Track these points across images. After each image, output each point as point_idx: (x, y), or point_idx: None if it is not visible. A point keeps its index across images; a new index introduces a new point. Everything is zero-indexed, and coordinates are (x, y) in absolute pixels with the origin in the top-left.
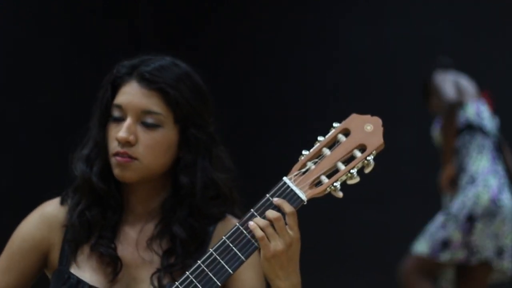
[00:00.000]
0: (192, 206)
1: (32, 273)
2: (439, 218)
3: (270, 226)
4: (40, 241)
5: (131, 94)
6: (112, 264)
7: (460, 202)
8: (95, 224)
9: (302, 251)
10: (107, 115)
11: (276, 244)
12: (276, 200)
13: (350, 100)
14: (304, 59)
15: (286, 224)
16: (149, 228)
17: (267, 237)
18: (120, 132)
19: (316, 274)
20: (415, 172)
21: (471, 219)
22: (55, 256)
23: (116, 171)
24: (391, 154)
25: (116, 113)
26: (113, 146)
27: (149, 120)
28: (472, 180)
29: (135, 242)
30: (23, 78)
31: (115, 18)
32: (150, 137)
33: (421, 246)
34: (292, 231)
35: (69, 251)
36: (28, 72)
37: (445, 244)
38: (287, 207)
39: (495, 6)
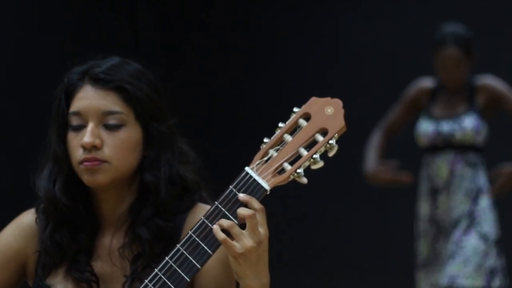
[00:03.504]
0: (157, 204)
1: (12, 283)
2: (479, 246)
3: (236, 226)
4: (17, 252)
5: (87, 98)
6: (87, 287)
7: (492, 223)
8: (67, 247)
9: (303, 251)
10: (65, 126)
11: (244, 243)
12: (242, 196)
13: (349, 100)
14: (303, 59)
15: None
16: (120, 235)
17: (235, 237)
18: (84, 137)
19: (316, 275)
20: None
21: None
22: (32, 267)
23: (86, 177)
24: (391, 154)
25: (74, 121)
26: (78, 155)
27: (111, 121)
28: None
29: (108, 252)
30: (23, 78)
31: (115, 17)
32: (115, 138)
33: (475, 281)
34: (262, 228)
35: (42, 275)
36: (28, 72)
37: (492, 272)
38: (256, 204)
39: (495, 6)
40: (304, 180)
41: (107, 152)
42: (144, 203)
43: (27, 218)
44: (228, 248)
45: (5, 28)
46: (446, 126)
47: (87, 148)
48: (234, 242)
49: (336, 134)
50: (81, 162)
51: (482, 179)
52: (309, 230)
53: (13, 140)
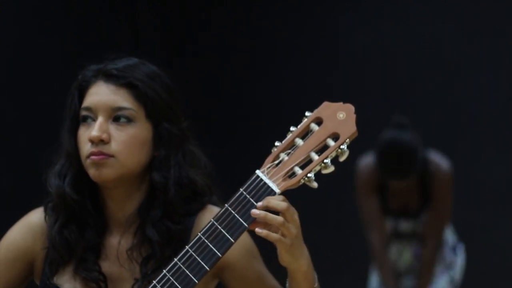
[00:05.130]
0: (166, 204)
1: (19, 282)
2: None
3: (286, 223)
4: (25, 250)
5: (99, 94)
6: (96, 286)
7: (462, 272)
8: (75, 244)
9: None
10: (77, 122)
11: (291, 235)
12: (260, 204)
13: (349, 100)
14: (303, 59)
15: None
16: (129, 236)
17: (286, 233)
18: (92, 131)
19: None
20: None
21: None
22: (40, 265)
23: (92, 172)
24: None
25: (85, 116)
26: (86, 149)
27: (121, 116)
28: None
29: (116, 253)
30: (23, 78)
31: (115, 17)
32: (123, 134)
33: None
34: (295, 214)
35: (50, 273)
36: (28, 72)
37: None
38: (281, 203)
39: (495, 6)
40: (315, 185)
41: (114, 146)
42: (152, 203)
43: (35, 216)
44: (280, 245)
45: (5, 28)
46: (405, 225)
47: (94, 142)
48: (283, 239)
49: (348, 139)
50: (88, 156)
51: (451, 238)
52: (310, 230)
53: (13, 140)
